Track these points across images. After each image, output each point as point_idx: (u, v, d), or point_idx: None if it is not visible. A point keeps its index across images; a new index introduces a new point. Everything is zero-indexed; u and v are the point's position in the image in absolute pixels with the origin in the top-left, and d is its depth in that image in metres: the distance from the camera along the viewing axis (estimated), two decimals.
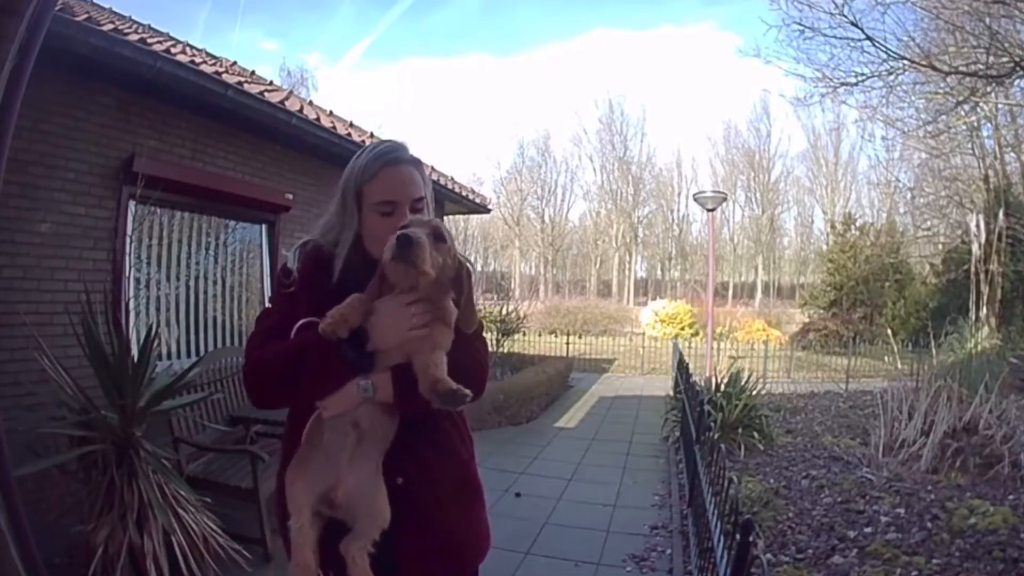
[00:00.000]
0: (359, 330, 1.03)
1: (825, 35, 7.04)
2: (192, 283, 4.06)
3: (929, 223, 16.20)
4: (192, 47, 5.03)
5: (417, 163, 1.19)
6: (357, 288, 1.06)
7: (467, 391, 1.00)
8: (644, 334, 15.26)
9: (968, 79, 6.74)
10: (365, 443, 1.06)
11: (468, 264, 1.13)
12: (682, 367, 5.84)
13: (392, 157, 1.15)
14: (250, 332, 1.19)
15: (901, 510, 3.46)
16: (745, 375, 5.58)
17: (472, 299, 1.11)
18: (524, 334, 11.31)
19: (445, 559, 1.17)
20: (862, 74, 7.27)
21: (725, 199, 9.12)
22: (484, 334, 1.31)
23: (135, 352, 2.62)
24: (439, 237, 1.04)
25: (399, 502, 1.08)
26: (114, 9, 4.26)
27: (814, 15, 7.05)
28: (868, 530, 3.24)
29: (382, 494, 1.06)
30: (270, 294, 1.25)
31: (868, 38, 6.62)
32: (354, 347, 1.03)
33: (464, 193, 7.75)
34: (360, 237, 1.16)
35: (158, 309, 3.78)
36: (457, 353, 1.10)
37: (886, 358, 9.61)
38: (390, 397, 1.06)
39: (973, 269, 11.19)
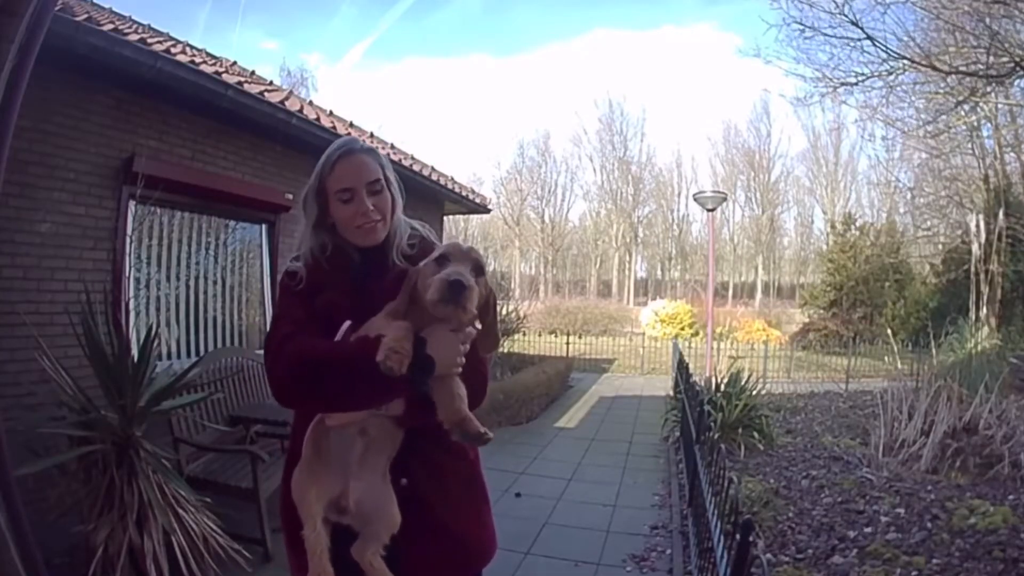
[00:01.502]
0: (426, 358, 1.02)
1: (825, 34, 7.04)
2: (192, 283, 4.06)
3: (929, 223, 16.19)
4: (192, 47, 5.03)
5: (370, 151, 1.25)
6: (365, 278, 1.16)
7: (491, 435, 1.03)
8: (644, 334, 15.25)
9: (968, 79, 6.74)
10: (372, 450, 1.07)
11: (494, 289, 1.16)
12: (682, 367, 5.84)
13: (345, 149, 1.22)
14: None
15: (901, 510, 3.46)
16: (745, 375, 5.58)
17: (496, 324, 1.14)
18: (524, 334, 11.30)
19: (452, 561, 1.16)
20: (862, 74, 7.27)
21: (725, 199, 9.12)
22: None
23: (135, 352, 2.62)
24: (479, 271, 1.07)
25: (405, 503, 1.08)
26: (114, 9, 4.26)
27: (814, 14, 7.05)
28: (868, 530, 3.24)
29: (391, 499, 1.07)
30: (278, 299, 1.28)
31: (868, 37, 6.62)
32: (424, 369, 1.02)
33: (464, 193, 7.75)
34: (335, 229, 1.23)
35: (158, 309, 3.78)
36: (467, 371, 1.10)
37: (886, 358, 9.60)
38: (400, 412, 1.07)
39: (973, 269, 11.19)
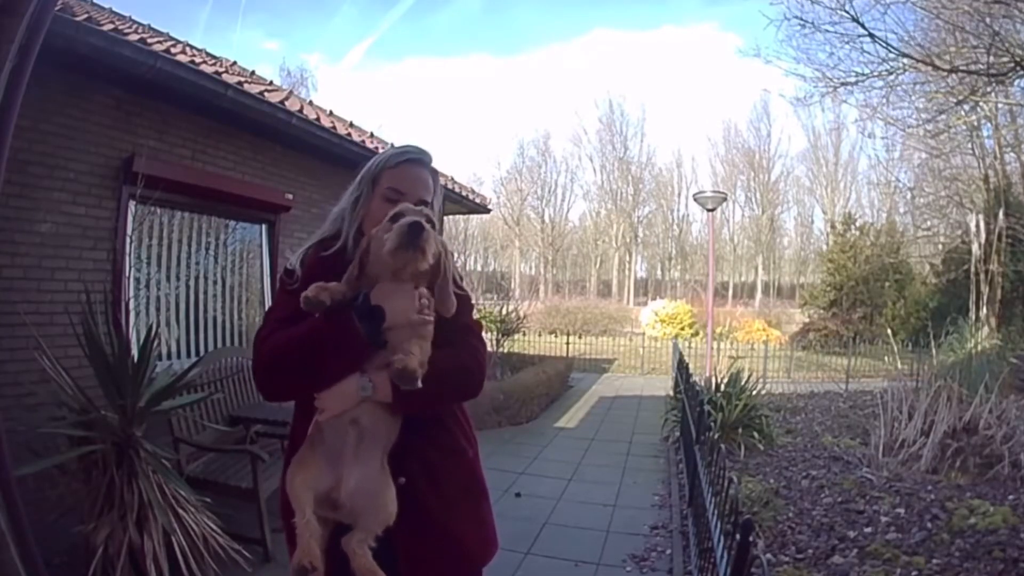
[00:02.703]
0: (374, 308, 1.04)
1: (825, 31, 7.02)
2: (192, 283, 4.06)
3: (929, 223, 16.20)
4: (192, 47, 5.03)
5: (435, 172, 1.28)
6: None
7: (415, 369, 1.00)
8: (644, 334, 15.26)
9: (968, 78, 6.73)
10: (366, 441, 1.06)
11: (448, 246, 1.16)
12: (682, 367, 5.84)
13: (415, 156, 1.25)
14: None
15: (901, 510, 3.46)
16: (745, 375, 5.58)
17: (449, 282, 1.12)
18: (524, 334, 11.30)
19: (450, 561, 1.15)
20: (862, 73, 7.26)
21: (725, 199, 9.12)
22: (484, 335, 1.32)
23: (135, 352, 2.62)
24: (432, 225, 1.08)
25: (402, 502, 1.06)
26: (114, 9, 4.26)
27: (814, 11, 7.03)
28: (868, 530, 3.24)
29: (388, 490, 1.05)
30: (275, 295, 1.28)
31: (869, 34, 6.61)
32: (370, 318, 1.03)
33: (464, 193, 7.74)
34: (362, 222, 1.22)
35: (158, 309, 3.78)
36: (461, 353, 1.13)
37: (886, 358, 9.61)
38: (389, 397, 1.06)
39: (973, 269, 11.19)
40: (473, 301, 1.31)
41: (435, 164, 1.33)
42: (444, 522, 1.13)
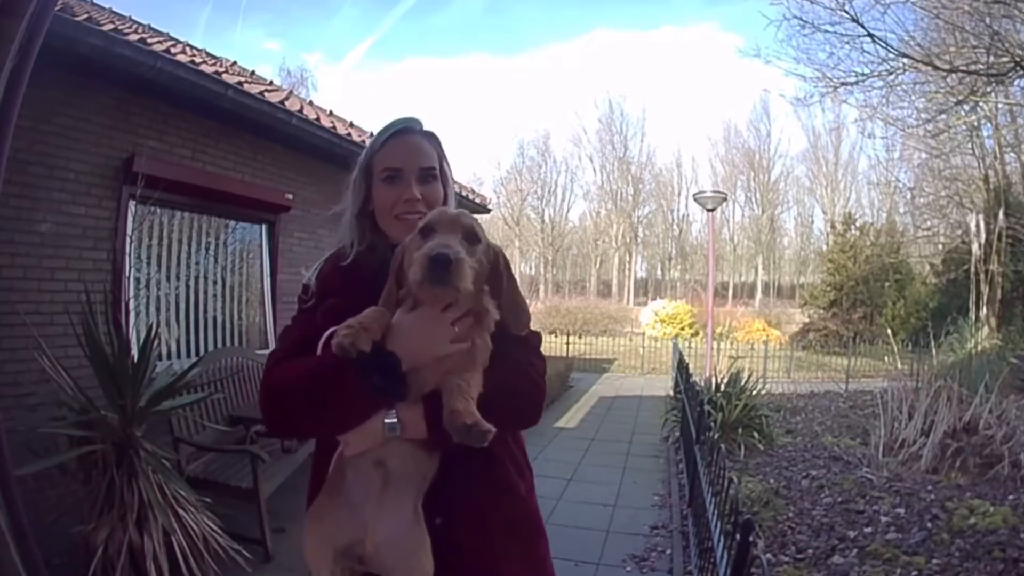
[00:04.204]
0: (385, 357, 0.87)
1: (825, 32, 7.02)
2: (192, 283, 4.06)
3: (929, 223, 16.20)
4: (192, 47, 5.03)
5: (430, 135, 1.12)
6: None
7: (488, 427, 0.81)
8: (644, 334, 15.26)
9: (968, 78, 6.73)
10: (395, 486, 0.88)
11: (502, 250, 0.99)
12: (682, 367, 5.84)
13: (400, 127, 1.10)
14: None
15: (901, 510, 3.46)
16: (745, 375, 5.58)
17: (517, 291, 0.96)
18: None
19: None
20: (862, 73, 7.27)
21: (725, 199, 9.11)
22: (539, 345, 1.10)
23: (135, 352, 2.62)
24: (472, 238, 0.91)
25: (439, 546, 0.88)
26: (114, 9, 4.26)
27: (814, 11, 7.04)
28: (868, 530, 3.24)
29: (422, 543, 0.87)
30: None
31: (869, 34, 6.61)
32: (382, 369, 0.86)
33: (464, 193, 7.75)
34: (375, 218, 1.09)
35: (158, 309, 3.78)
36: (512, 372, 0.96)
37: (886, 358, 9.60)
38: (423, 433, 0.88)
39: (973, 269, 11.20)
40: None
41: (436, 133, 1.15)
42: (488, 567, 0.96)
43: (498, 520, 0.98)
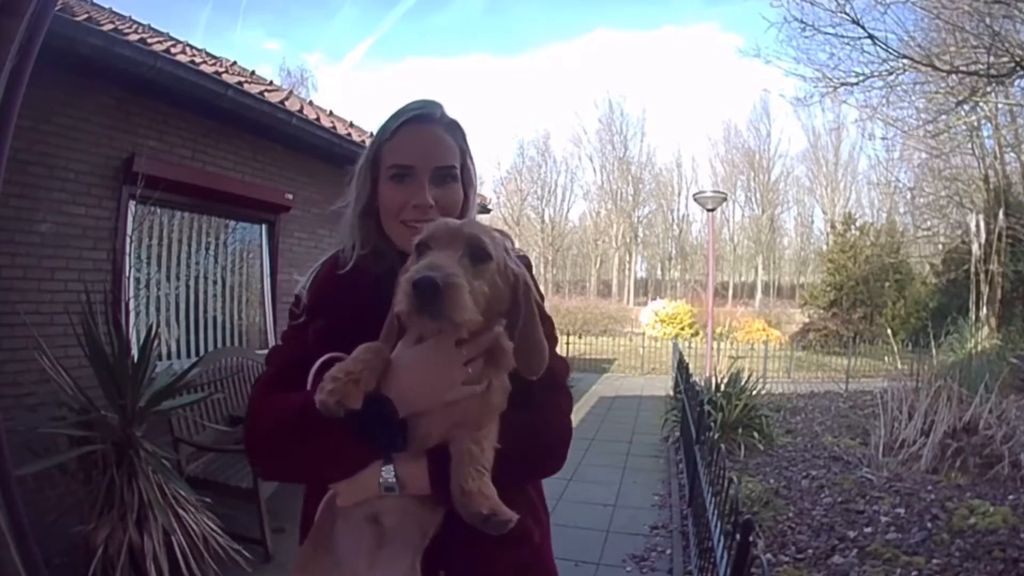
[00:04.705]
0: (380, 409, 0.72)
1: (825, 33, 7.05)
2: (192, 283, 4.06)
3: (929, 223, 16.20)
4: (192, 47, 5.03)
5: (451, 127, 0.94)
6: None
7: (509, 516, 0.70)
8: (644, 334, 15.27)
9: (968, 79, 6.74)
10: (391, 545, 0.75)
11: (524, 274, 0.79)
12: (682, 367, 5.84)
13: (415, 114, 0.91)
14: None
15: (901, 510, 3.46)
16: (745, 375, 5.58)
17: (535, 326, 0.77)
18: None
19: None
20: (862, 74, 7.28)
21: (725, 199, 9.12)
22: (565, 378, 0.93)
23: (135, 352, 2.62)
24: (479, 255, 0.73)
25: None
26: (114, 9, 4.26)
27: (815, 13, 7.06)
28: (868, 530, 3.24)
29: None
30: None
31: (869, 36, 6.63)
32: (376, 419, 0.72)
33: None
34: (380, 220, 0.92)
35: (158, 309, 3.78)
36: (534, 417, 0.82)
37: (886, 358, 9.61)
38: (425, 490, 0.76)
39: (973, 269, 11.20)
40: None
41: (459, 122, 0.97)
42: None
43: (509, 570, 0.84)
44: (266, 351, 1.02)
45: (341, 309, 0.86)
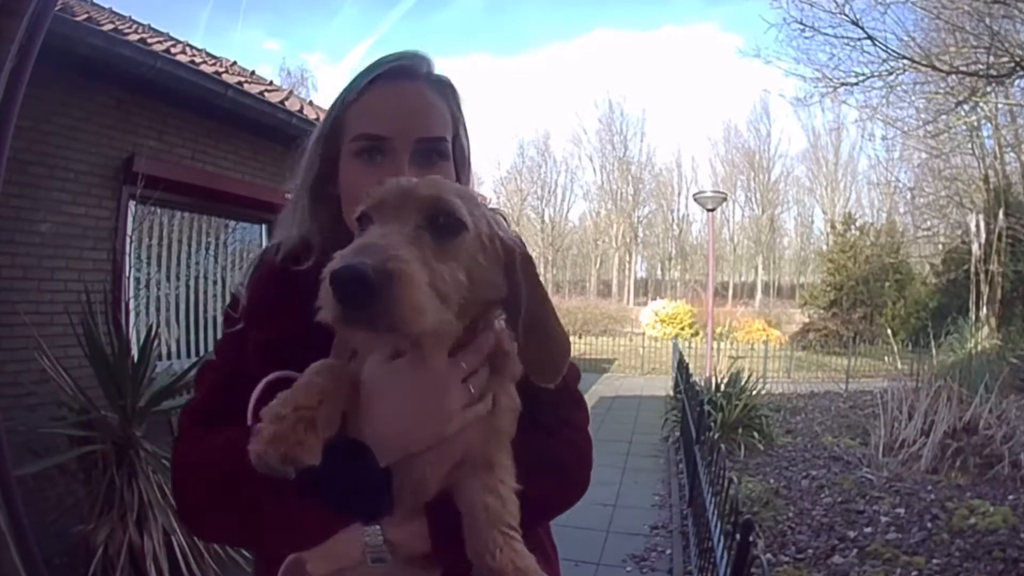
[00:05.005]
0: (355, 444, 0.52)
1: (825, 34, 7.07)
2: (192, 283, 4.06)
3: (929, 223, 16.21)
4: (192, 47, 5.03)
5: (441, 85, 0.71)
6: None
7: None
8: (644, 334, 15.26)
9: (968, 79, 6.74)
10: None
11: (521, 245, 0.58)
12: (682, 367, 5.84)
13: (392, 67, 0.68)
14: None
15: (901, 510, 3.46)
16: (745, 375, 5.58)
17: (548, 313, 0.59)
18: None
19: None
20: (862, 74, 7.29)
21: (725, 199, 9.13)
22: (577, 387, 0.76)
23: (135, 352, 2.62)
24: (446, 226, 0.50)
25: None
26: (114, 9, 4.26)
27: (814, 14, 7.07)
28: (868, 530, 3.24)
29: None
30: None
31: (868, 37, 6.64)
32: (348, 474, 0.51)
33: None
34: (340, 208, 0.70)
35: (158, 309, 3.78)
36: (550, 439, 0.66)
37: (886, 358, 9.61)
38: (425, 549, 0.57)
39: (973, 269, 11.20)
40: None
41: (451, 80, 0.73)
42: None
43: None
44: None
45: (287, 315, 0.61)
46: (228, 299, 0.75)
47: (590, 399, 8.31)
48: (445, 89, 0.72)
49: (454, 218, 0.50)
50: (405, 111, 0.68)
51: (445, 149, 0.70)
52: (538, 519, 0.65)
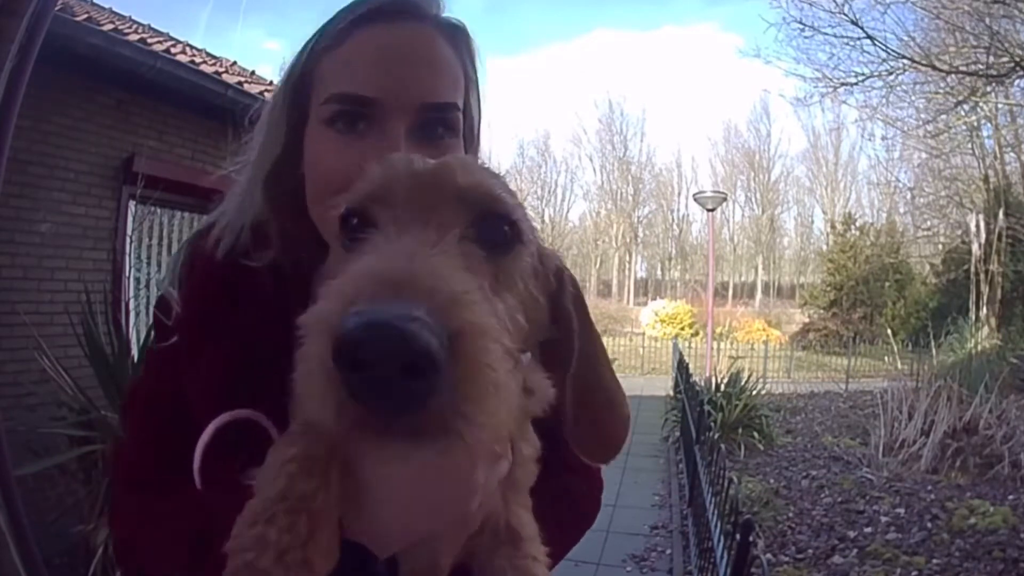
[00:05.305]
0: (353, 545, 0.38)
1: (825, 34, 7.08)
2: None
3: (929, 223, 16.22)
4: (192, 47, 5.03)
5: (453, 32, 0.54)
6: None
7: None
8: (644, 334, 15.26)
9: (968, 79, 6.75)
10: None
11: (567, 270, 0.45)
12: (682, 367, 5.84)
13: (376, 5, 0.51)
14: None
15: (901, 510, 3.46)
16: (745, 375, 5.58)
17: (605, 367, 0.47)
18: None
19: None
20: (862, 74, 7.30)
21: (725, 199, 9.13)
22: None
23: (135, 352, 2.62)
24: (502, 238, 0.36)
25: None
26: (114, 9, 4.26)
27: (814, 14, 7.08)
28: (868, 530, 3.24)
29: None
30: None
31: (868, 36, 6.66)
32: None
33: None
34: (303, 189, 0.54)
35: None
36: (568, 484, 0.56)
37: (886, 358, 9.62)
38: None
39: (973, 269, 11.21)
40: None
41: (466, 26, 0.56)
42: None
43: None
44: None
45: (239, 330, 0.50)
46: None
47: None
48: (459, 37, 0.53)
49: (509, 224, 0.34)
50: (404, 63, 0.49)
51: (455, 121, 0.52)
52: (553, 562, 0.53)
